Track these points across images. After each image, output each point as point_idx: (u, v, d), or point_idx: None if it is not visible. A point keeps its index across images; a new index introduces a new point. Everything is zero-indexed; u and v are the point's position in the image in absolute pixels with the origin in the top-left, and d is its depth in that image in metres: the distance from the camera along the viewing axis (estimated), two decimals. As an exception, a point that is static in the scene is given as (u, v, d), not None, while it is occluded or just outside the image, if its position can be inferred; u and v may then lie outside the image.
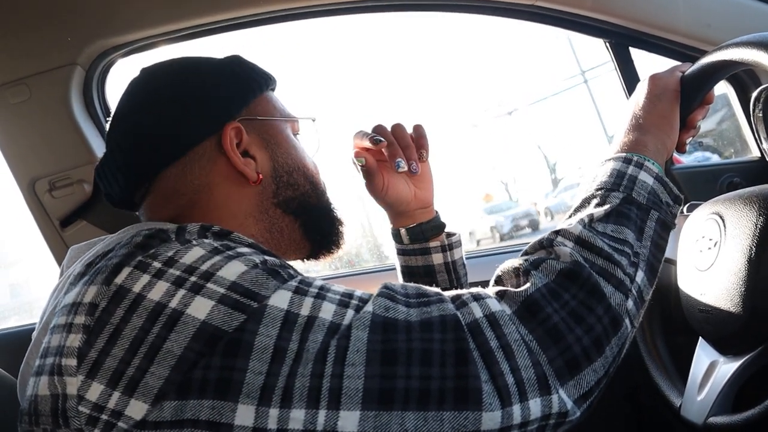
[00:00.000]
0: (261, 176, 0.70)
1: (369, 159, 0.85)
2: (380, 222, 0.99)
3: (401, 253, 0.90)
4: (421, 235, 0.88)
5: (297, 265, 0.79)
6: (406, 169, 0.81)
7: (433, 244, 0.88)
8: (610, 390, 0.82)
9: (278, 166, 0.72)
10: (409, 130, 0.86)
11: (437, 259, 0.88)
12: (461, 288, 0.73)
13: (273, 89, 0.79)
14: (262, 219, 0.71)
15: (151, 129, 0.68)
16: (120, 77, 1.35)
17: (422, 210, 0.89)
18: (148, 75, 0.73)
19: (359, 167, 0.86)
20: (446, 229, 0.91)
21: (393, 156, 0.82)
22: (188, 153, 0.68)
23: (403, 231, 0.89)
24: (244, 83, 0.72)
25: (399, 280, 0.91)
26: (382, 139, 0.82)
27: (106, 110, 1.33)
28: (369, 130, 0.85)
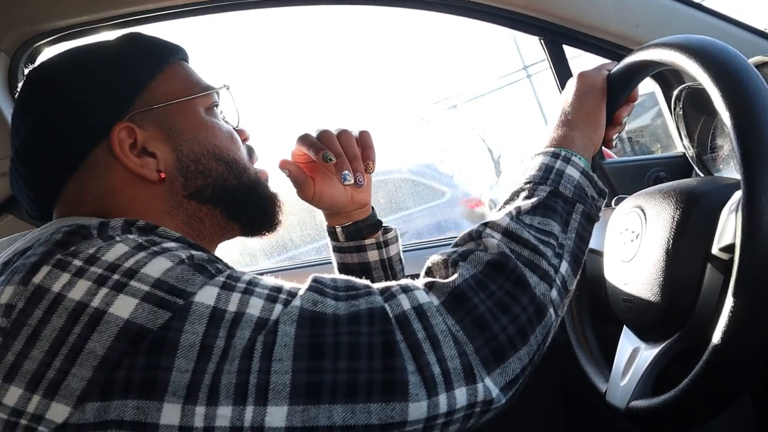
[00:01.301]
0: (163, 174, 0.66)
1: (294, 170, 0.83)
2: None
3: (337, 250, 0.90)
4: (357, 234, 0.88)
5: (233, 250, 0.78)
6: (352, 182, 0.79)
7: (368, 241, 0.88)
8: (541, 376, 0.84)
9: (183, 156, 0.67)
10: (355, 133, 0.83)
11: (372, 256, 0.88)
12: None
13: (180, 59, 0.72)
14: (177, 214, 0.67)
15: (37, 146, 0.64)
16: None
17: (358, 210, 0.89)
18: (33, 80, 0.67)
19: (286, 176, 0.84)
20: (383, 225, 0.91)
21: (340, 168, 0.78)
22: (81, 165, 0.64)
23: (339, 229, 0.88)
24: (135, 70, 0.67)
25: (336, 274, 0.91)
26: (333, 158, 0.78)
27: (33, 100, 1.27)
28: (313, 134, 0.82)
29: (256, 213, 0.74)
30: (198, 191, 0.68)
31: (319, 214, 0.91)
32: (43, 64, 0.69)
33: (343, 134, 0.81)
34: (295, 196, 0.85)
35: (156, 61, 0.69)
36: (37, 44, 1.22)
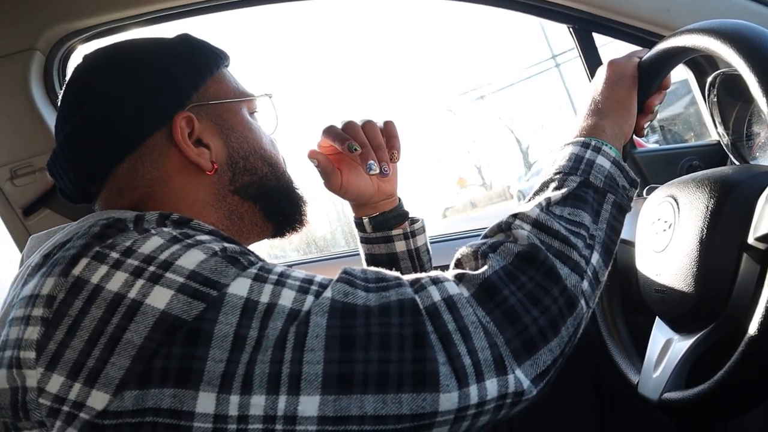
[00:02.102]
0: (216, 165, 0.68)
1: (322, 160, 0.85)
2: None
3: (364, 241, 0.91)
4: (384, 224, 0.89)
5: (264, 244, 0.80)
6: (377, 172, 0.80)
7: (395, 232, 0.89)
8: (572, 368, 0.84)
9: (233, 152, 0.70)
10: (380, 124, 0.84)
11: (400, 246, 0.89)
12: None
13: (226, 66, 0.76)
14: (220, 207, 0.70)
15: (96, 126, 0.66)
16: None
17: (385, 201, 0.89)
18: (94, 64, 0.70)
19: (314, 166, 0.86)
20: (409, 216, 0.91)
21: (365, 158, 0.80)
22: (140, 147, 0.66)
23: (366, 220, 0.89)
24: (194, 66, 0.70)
25: (363, 266, 0.92)
26: (358, 148, 0.80)
27: (68, 97, 1.30)
28: (339, 125, 0.83)
29: (290, 213, 0.77)
30: (243, 187, 0.71)
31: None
32: (100, 50, 0.71)
33: (367, 124, 0.83)
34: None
35: (209, 63, 0.72)
36: (71, 42, 1.25)
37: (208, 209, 0.69)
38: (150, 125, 0.66)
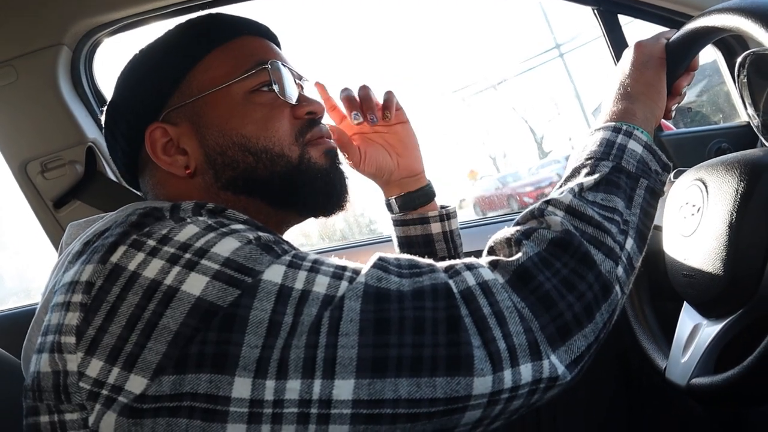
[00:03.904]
0: (189, 170, 0.69)
1: (340, 136, 0.88)
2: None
3: (400, 223, 0.92)
4: (410, 204, 0.90)
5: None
6: (361, 120, 0.86)
7: (431, 213, 0.90)
8: (601, 353, 0.84)
9: (210, 150, 0.69)
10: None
11: (435, 228, 0.90)
12: (458, 257, 0.74)
13: (246, 33, 0.73)
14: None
15: (111, 147, 0.75)
16: (108, 56, 1.34)
17: (410, 179, 0.91)
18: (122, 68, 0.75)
19: None
20: (438, 202, 0.92)
21: (349, 109, 0.87)
22: (139, 162, 0.73)
23: (393, 200, 0.91)
24: (175, 64, 0.70)
25: (396, 251, 0.93)
26: (361, 118, 0.86)
27: (95, 90, 1.32)
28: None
29: (312, 196, 0.71)
30: (230, 182, 0.69)
31: None
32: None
33: (361, 86, 0.89)
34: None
35: (200, 47, 0.70)
36: (97, 36, 1.27)
37: None
38: (131, 144, 0.72)
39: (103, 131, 0.75)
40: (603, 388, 1.08)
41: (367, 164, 0.89)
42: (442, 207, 0.92)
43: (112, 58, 0.76)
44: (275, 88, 0.70)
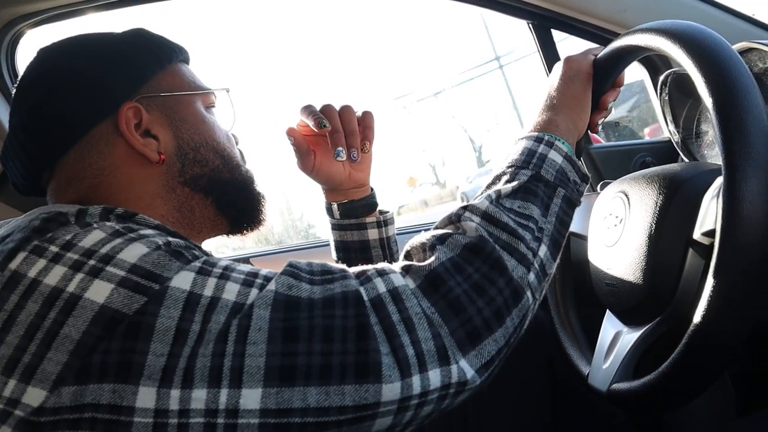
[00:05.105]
0: (163, 156, 0.67)
1: (299, 138, 0.86)
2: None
3: (337, 228, 0.91)
4: (352, 212, 0.90)
5: (218, 242, 0.79)
6: (344, 159, 0.82)
7: (369, 219, 0.90)
8: (526, 358, 0.85)
9: (183, 143, 0.69)
10: (358, 113, 0.86)
11: (372, 234, 0.90)
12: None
13: (184, 61, 0.76)
14: (170, 198, 0.68)
15: (43, 115, 0.65)
16: (32, 50, 1.28)
17: (357, 189, 0.90)
18: (44, 55, 0.69)
19: (290, 144, 0.87)
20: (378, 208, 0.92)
21: (335, 144, 0.82)
22: (84, 137, 0.65)
23: (335, 206, 0.90)
24: (144, 59, 0.69)
25: (332, 255, 0.92)
26: (327, 124, 0.81)
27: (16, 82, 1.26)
28: (317, 107, 0.84)
29: (246, 208, 0.76)
30: (193, 179, 0.70)
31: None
32: (55, 42, 0.71)
33: (344, 109, 0.84)
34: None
35: (162, 55, 0.71)
36: (20, 26, 1.21)
37: (158, 200, 0.67)
38: (93, 115, 0.65)
39: (29, 104, 0.66)
40: (529, 392, 1.11)
41: (318, 172, 0.88)
42: (381, 212, 0.92)
43: (35, 51, 0.71)
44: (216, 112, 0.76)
